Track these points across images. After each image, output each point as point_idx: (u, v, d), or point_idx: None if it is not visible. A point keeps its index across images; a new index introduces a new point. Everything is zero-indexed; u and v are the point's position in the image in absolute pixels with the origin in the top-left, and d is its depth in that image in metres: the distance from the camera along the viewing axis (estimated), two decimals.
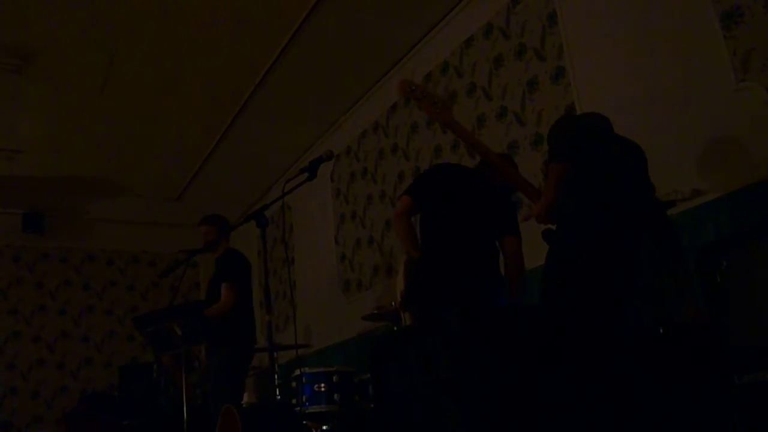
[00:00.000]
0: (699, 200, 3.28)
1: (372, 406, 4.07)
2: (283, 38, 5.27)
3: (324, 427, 4.07)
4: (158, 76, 5.72)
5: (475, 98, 4.83)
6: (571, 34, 4.13)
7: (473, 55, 4.90)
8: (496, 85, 4.67)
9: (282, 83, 5.86)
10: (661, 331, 2.61)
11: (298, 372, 4.24)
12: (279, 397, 4.12)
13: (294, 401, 4.23)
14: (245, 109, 6.27)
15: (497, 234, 3.26)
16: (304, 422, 4.11)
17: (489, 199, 3.32)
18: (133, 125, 6.52)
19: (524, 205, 4.15)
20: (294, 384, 4.28)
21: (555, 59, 4.20)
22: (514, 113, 4.49)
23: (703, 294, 2.51)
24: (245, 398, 4.40)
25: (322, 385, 4.14)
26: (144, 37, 5.18)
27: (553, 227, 2.86)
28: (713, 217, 3.20)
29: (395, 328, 3.88)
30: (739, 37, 3.18)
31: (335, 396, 4.13)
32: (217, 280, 5.13)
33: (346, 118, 6.50)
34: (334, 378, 4.17)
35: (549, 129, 2.99)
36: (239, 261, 5.22)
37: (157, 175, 7.71)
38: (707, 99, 3.32)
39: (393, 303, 3.54)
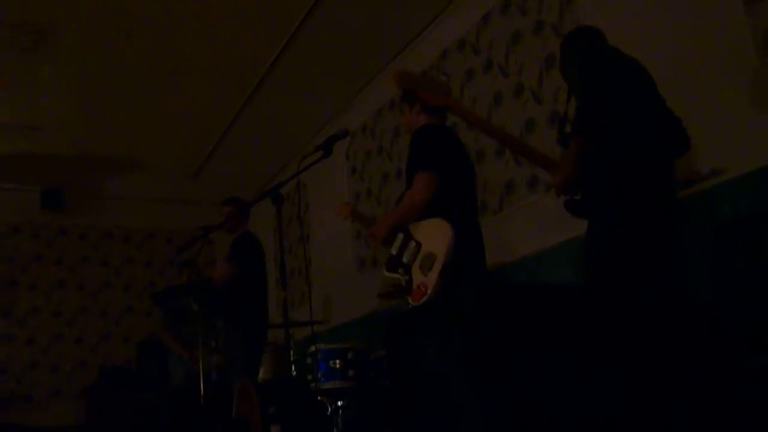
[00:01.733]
0: (717, 179, 3.24)
1: (386, 382, 4.10)
2: (299, 15, 5.25)
3: (339, 403, 4.11)
4: (175, 52, 5.71)
5: (492, 75, 4.79)
6: (589, 11, 4.07)
7: (490, 31, 4.85)
8: (513, 62, 4.63)
9: (297, 61, 5.84)
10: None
11: (313, 348, 4.27)
12: (294, 373, 4.16)
13: (309, 377, 4.26)
14: (261, 86, 6.26)
15: None
16: (319, 398, 4.14)
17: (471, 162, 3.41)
18: (149, 102, 6.54)
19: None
20: (309, 360, 4.31)
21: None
22: (531, 90, 4.45)
23: (719, 273, 2.50)
24: (261, 374, 4.44)
25: (337, 361, 4.17)
26: (160, 13, 5.16)
27: (577, 197, 2.81)
28: (731, 196, 3.16)
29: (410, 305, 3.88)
30: (760, 14, 3.13)
31: (350, 372, 4.16)
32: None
33: (362, 96, 6.47)
34: (349, 355, 4.19)
35: (566, 57, 2.96)
36: (249, 243, 5.23)
37: (173, 152, 7.73)
38: (728, 76, 3.28)
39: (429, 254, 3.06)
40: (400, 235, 3.20)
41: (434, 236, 3.00)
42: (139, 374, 6.82)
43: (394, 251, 3.22)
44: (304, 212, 7.48)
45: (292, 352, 4.15)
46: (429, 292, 2.88)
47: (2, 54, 5.47)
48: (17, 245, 8.14)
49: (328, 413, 4.09)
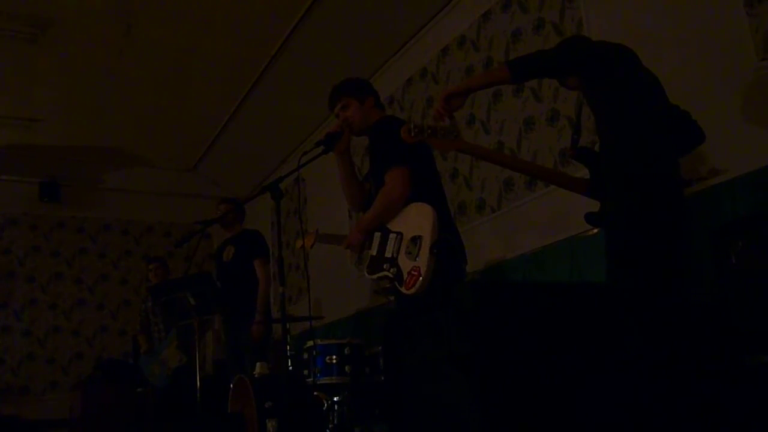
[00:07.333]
0: (716, 179, 3.24)
1: (382, 378, 4.10)
2: (299, 9, 5.24)
3: (335, 398, 4.11)
4: (174, 45, 5.71)
5: None
6: (590, 9, 4.07)
7: (490, 29, 4.85)
8: None
9: (298, 55, 5.84)
10: None
11: (310, 344, 4.27)
12: (291, 368, 4.16)
13: (305, 372, 4.26)
14: (261, 80, 6.26)
15: None
16: (315, 393, 4.14)
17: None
18: (149, 95, 6.54)
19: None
20: (306, 355, 4.31)
21: (574, 34, 4.14)
22: (530, 89, 4.44)
23: (716, 275, 2.49)
24: (257, 369, 4.45)
25: (334, 357, 4.17)
26: (160, 6, 5.16)
27: (595, 209, 2.79)
28: (730, 197, 3.16)
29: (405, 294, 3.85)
30: (761, 15, 3.13)
31: (346, 368, 4.16)
32: (244, 256, 5.33)
33: None
34: (346, 350, 4.19)
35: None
36: (264, 239, 5.51)
37: (172, 145, 7.73)
38: (728, 77, 3.28)
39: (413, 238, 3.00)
40: (377, 234, 3.13)
41: (415, 220, 2.95)
42: (135, 367, 6.81)
43: (374, 252, 3.14)
44: (302, 207, 7.47)
45: (288, 347, 4.16)
46: (423, 272, 2.79)
47: (2, 46, 5.46)
48: (15, 237, 8.13)
49: (324, 408, 4.09)
